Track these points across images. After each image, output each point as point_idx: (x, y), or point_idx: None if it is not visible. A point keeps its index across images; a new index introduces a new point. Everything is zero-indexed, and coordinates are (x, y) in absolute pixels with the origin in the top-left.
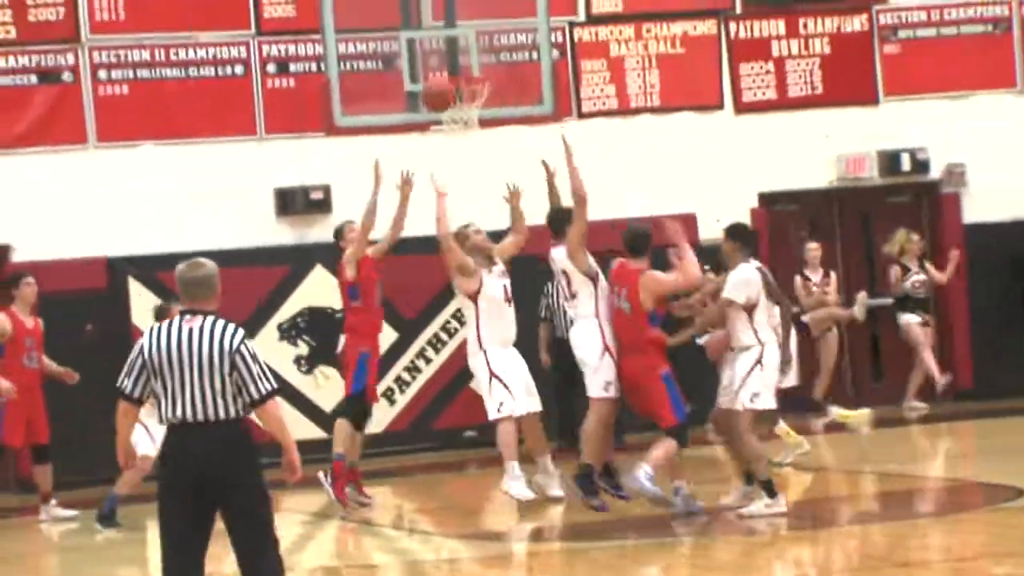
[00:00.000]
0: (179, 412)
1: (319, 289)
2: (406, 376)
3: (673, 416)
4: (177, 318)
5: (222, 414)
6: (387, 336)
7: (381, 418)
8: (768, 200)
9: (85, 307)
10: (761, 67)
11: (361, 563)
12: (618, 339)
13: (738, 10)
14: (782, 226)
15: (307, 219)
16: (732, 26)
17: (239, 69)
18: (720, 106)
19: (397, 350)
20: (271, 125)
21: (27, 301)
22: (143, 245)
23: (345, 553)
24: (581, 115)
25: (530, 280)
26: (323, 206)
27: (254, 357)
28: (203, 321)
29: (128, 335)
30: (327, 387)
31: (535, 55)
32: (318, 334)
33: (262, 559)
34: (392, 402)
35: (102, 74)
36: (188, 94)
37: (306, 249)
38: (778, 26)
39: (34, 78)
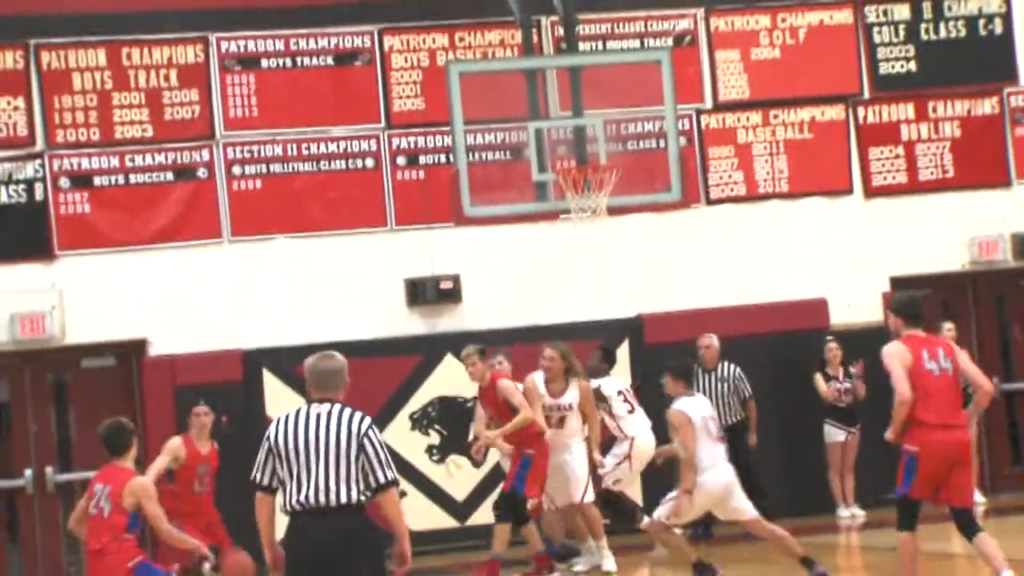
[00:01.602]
0: (303, 497)
1: (450, 379)
2: None
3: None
4: (305, 406)
5: (343, 499)
6: None
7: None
8: (900, 285)
9: (221, 399)
10: (891, 151)
11: None
12: (941, 406)
13: (866, 95)
14: None
15: (437, 309)
16: (860, 111)
17: (370, 162)
18: (849, 191)
19: None
20: (401, 216)
21: (198, 428)
22: (277, 337)
23: None
24: (709, 202)
25: None
26: (453, 295)
27: (381, 443)
28: (331, 407)
29: (263, 426)
30: (458, 476)
31: (662, 143)
32: (449, 423)
33: None
34: None
35: (236, 170)
36: (319, 187)
37: (437, 339)
38: (907, 110)
39: (170, 175)
